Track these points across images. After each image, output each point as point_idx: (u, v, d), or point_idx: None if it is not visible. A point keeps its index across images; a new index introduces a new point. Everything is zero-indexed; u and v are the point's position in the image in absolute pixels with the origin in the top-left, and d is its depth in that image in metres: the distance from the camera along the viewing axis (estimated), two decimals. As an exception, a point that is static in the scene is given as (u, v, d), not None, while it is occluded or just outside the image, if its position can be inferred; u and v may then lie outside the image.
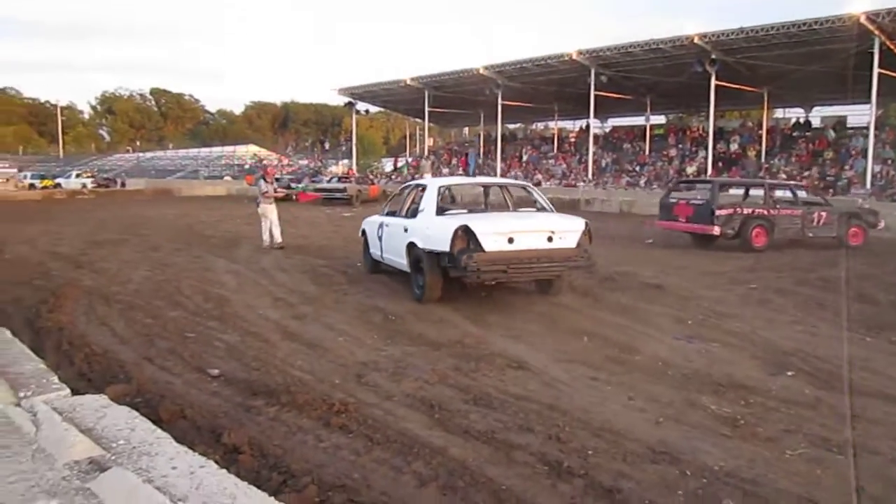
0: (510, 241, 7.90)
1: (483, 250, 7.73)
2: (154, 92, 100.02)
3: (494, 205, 11.05)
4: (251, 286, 9.88)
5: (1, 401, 3.07)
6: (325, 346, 6.55)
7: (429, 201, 8.96)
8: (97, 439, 2.66)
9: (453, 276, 8.12)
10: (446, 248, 7.86)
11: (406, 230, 9.01)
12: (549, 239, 8.17)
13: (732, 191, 17.53)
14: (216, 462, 2.77)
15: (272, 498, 2.31)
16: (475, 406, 4.89)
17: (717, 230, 13.99)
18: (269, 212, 14.27)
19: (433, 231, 8.31)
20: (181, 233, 17.66)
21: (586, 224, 8.50)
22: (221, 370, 5.68)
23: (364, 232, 11.10)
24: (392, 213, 10.14)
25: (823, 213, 14.84)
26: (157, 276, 10.68)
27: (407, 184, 11.57)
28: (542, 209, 9.31)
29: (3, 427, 2.75)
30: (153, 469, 2.41)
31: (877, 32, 23.55)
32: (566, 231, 8.32)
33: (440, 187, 9.37)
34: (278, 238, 14.31)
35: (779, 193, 15.57)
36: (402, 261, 9.13)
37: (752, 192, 16.18)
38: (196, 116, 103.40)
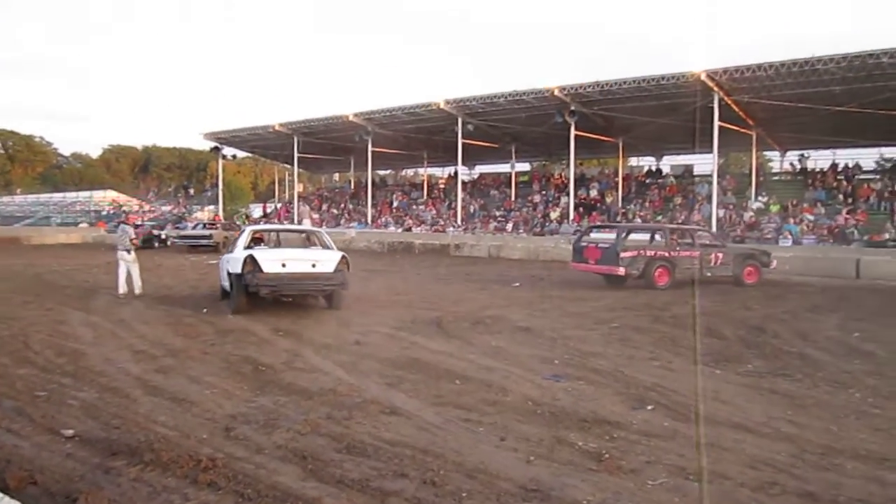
0: (283, 265, 11.27)
1: (262, 272, 11.04)
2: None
3: (290, 243, 14.52)
4: (110, 339, 9.36)
5: None
6: (192, 399, 6.28)
7: (241, 241, 12.37)
8: (-65, 512, 2.44)
9: (251, 291, 11.14)
10: (240, 271, 11.08)
11: (228, 262, 12.15)
12: (314, 265, 11.48)
13: (637, 235, 18.53)
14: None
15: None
16: (349, 454, 4.84)
17: (622, 271, 15.09)
18: (135, 259, 14.18)
19: (236, 260, 11.37)
20: (31, 284, 16.48)
21: (343, 256, 11.73)
22: (76, 430, 5.32)
23: (219, 267, 13.92)
24: (230, 251, 12.84)
25: (720, 254, 16.24)
26: (2, 330, 9.88)
27: (242, 229, 14.56)
28: (326, 247, 12.56)
29: None
30: (1, 540, 2.24)
31: (716, 89, 25.74)
32: (326, 260, 11.57)
33: (250, 231, 13.09)
34: (140, 285, 14.12)
35: (679, 237, 16.76)
36: (227, 284, 12.19)
37: (656, 236, 17.20)
38: (48, 160, 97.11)
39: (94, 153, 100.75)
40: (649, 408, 6.06)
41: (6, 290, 15.00)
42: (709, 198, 28.83)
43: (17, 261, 24.28)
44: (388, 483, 4.32)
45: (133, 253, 14.21)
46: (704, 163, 33.29)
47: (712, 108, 25.92)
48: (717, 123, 26.10)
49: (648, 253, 15.56)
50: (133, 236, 14.45)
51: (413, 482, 4.34)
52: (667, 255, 15.67)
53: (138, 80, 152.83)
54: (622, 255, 15.11)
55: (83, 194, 63.97)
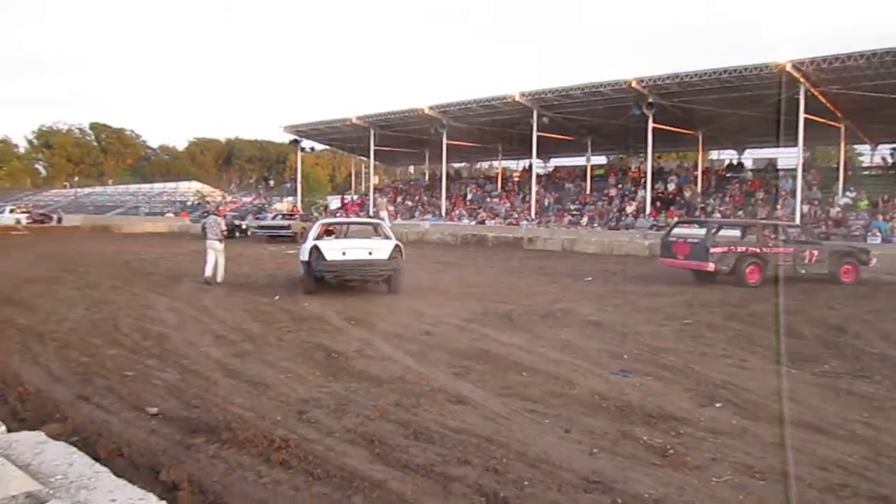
0: (343, 254, 12.68)
1: (325, 259, 12.51)
2: (94, 126, 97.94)
3: (354, 234, 15.79)
4: (192, 324, 9.80)
5: (-66, 438, 3.05)
6: (267, 383, 6.55)
7: (312, 232, 13.71)
8: (34, 474, 2.66)
9: (317, 276, 12.64)
10: (307, 259, 12.68)
11: (300, 250, 13.61)
12: (370, 253, 12.86)
13: (729, 230, 18.14)
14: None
15: (210, 528, 2.36)
16: (415, 440, 4.97)
17: (711, 266, 14.80)
18: (223, 249, 14.96)
19: (305, 249, 12.97)
20: (120, 270, 17.35)
21: (396, 245, 13.13)
22: (160, 408, 5.64)
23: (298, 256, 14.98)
24: (304, 242, 13.91)
25: (815, 251, 15.68)
26: (95, 314, 10.50)
27: (318, 222, 15.99)
28: (385, 237, 13.76)
29: (-64, 464, 2.74)
30: (91, 502, 2.44)
31: (802, 80, 24.81)
32: (380, 248, 12.99)
33: (321, 224, 14.70)
34: (223, 274, 14.73)
35: (772, 233, 16.29)
36: (301, 270, 13.45)
37: (748, 231, 16.81)
38: (137, 152, 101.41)
39: (180, 145, 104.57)
40: (718, 405, 5.97)
41: (99, 275, 15.83)
42: (793, 193, 27.86)
43: (108, 248, 25.54)
44: (451, 469, 4.43)
45: (223, 243, 14.95)
46: (789, 156, 32.17)
47: (798, 99, 25.01)
48: (802, 116, 25.18)
49: (739, 249, 15.18)
50: (224, 228, 15.28)
51: (476, 469, 4.43)
52: (759, 251, 15.24)
53: (223, 74, 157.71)
54: (712, 250, 14.79)
55: (169, 185, 66.57)
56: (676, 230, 17.16)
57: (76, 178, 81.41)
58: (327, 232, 14.72)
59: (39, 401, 5.76)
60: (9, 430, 3.58)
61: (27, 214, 45.52)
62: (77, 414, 5.35)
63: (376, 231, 14.74)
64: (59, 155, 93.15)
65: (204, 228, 16.30)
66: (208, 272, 14.62)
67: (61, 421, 5.15)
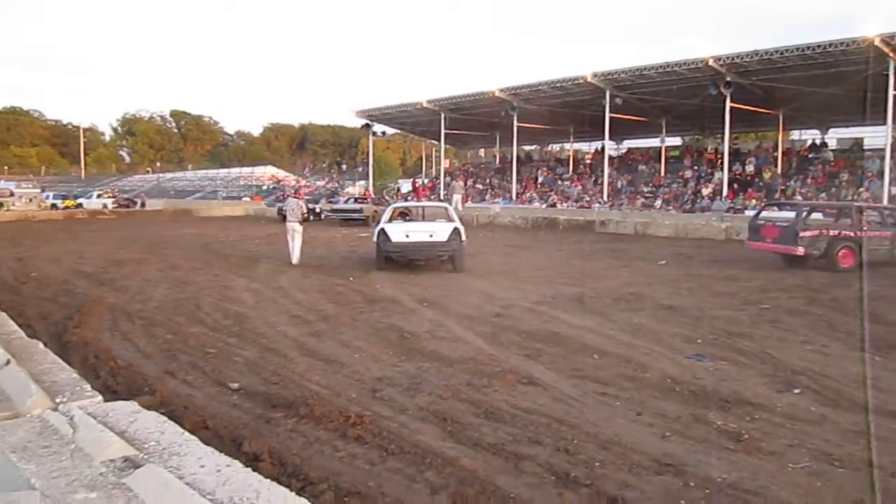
0: (407, 236, 13.91)
1: (391, 240, 13.73)
2: (174, 114, 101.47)
3: (421, 217, 16.94)
4: (269, 304, 10.11)
5: (39, 406, 3.28)
6: (342, 361, 6.73)
7: (384, 216, 15.12)
8: (130, 440, 2.84)
9: (385, 255, 13.91)
10: (376, 240, 13.97)
11: (373, 232, 14.71)
12: (431, 235, 13.98)
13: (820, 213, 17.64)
14: (239, 465, 2.94)
15: (293, 494, 2.48)
16: (486, 419, 5.05)
17: (801, 251, 14.34)
18: (301, 231, 15.47)
19: (377, 231, 14.21)
20: (200, 252, 17.96)
21: (454, 228, 13.98)
22: (241, 384, 5.88)
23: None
24: (377, 224, 15.12)
25: None
26: (178, 293, 10.94)
27: (389, 206, 17.50)
28: (449, 220, 14.72)
29: (43, 429, 2.95)
30: (183, 467, 2.59)
31: (892, 55, 23.59)
32: (440, 231, 14.01)
33: (392, 207, 16.19)
34: (299, 256, 15.16)
35: (868, 216, 15.66)
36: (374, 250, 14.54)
37: (842, 214, 16.28)
38: (215, 138, 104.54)
39: (256, 131, 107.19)
40: (796, 391, 5.83)
41: (181, 257, 16.45)
42: (880, 174, 26.58)
43: (188, 231, 26.45)
44: (522, 448, 4.48)
45: (302, 225, 15.53)
46: (876, 136, 30.69)
47: (887, 75, 23.79)
48: (892, 92, 23.94)
49: (832, 232, 14.63)
50: (305, 210, 16.03)
51: (547, 449, 4.47)
52: (852, 234, 14.66)
53: (295, 60, 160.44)
54: (802, 234, 14.29)
55: (246, 170, 68.29)
56: (765, 213, 16.63)
57: (158, 164, 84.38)
58: (401, 214, 16.07)
59: (129, 375, 6.08)
60: (104, 401, 3.81)
61: (113, 199, 47.63)
62: (164, 388, 5.64)
63: (441, 214, 15.63)
64: (141, 142, 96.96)
65: (282, 211, 16.79)
66: (293, 255, 15.16)
67: (150, 394, 5.42)
